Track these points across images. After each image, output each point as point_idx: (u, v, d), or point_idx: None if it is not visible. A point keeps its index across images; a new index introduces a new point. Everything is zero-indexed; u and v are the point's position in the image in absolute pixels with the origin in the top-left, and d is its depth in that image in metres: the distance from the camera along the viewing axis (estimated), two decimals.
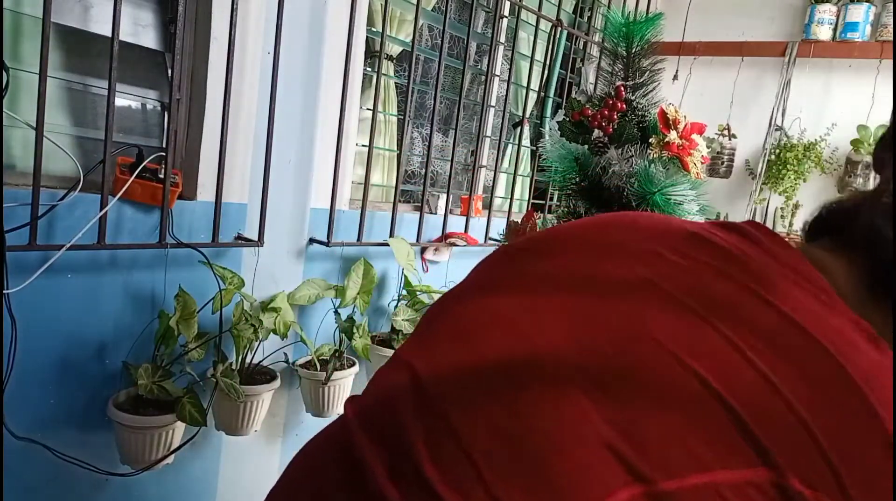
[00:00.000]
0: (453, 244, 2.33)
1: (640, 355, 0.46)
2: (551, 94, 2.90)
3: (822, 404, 0.44)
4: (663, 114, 1.19)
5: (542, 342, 0.49)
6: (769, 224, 3.06)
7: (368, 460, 0.48)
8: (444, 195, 2.33)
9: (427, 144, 2.15)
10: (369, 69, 2.12)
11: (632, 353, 0.47)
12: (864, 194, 0.58)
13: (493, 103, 2.62)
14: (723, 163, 3.05)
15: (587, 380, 0.46)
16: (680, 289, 0.49)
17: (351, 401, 0.56)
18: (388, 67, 2.23)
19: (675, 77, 3.20)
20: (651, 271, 0.50)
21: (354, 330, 1.89)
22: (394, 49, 2.22)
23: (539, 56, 2.67)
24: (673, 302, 0.48)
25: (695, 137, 1.20)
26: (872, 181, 2.93)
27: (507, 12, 2.56)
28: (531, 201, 2.82)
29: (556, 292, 0.52)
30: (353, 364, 1.93)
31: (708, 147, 1.26)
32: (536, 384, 0.47)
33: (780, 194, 3.01)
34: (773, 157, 2.98)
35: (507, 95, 2.50)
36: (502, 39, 2.59)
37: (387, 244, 2.02)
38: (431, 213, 2.38)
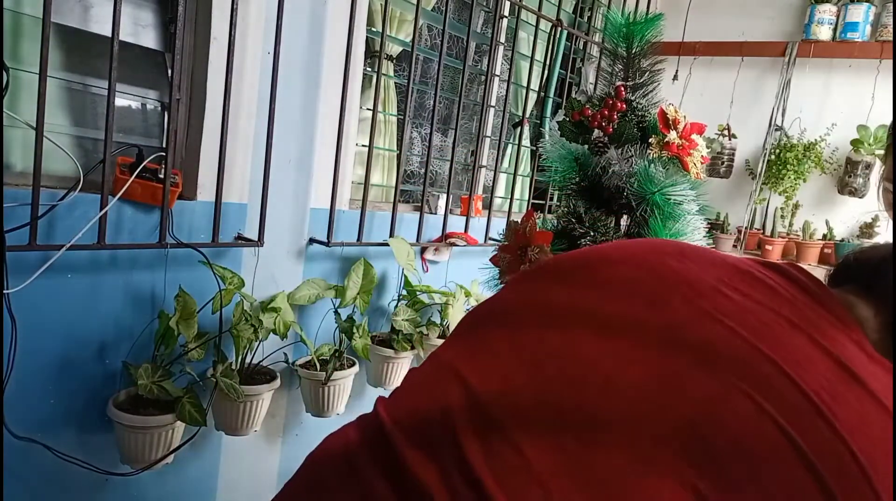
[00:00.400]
0: (453, 244, 2.33)
1: (717, 383, 0.45)
2: (551, 94, 2.90)
3: (877, 451, 0.44)
4: (663, 114, 1.19)
5: (622, 397, 0.47)
6: (769, 224, 3.06)
7: (419, 474, 0.48)
8: (444, 195, 2.33)
9: (427, 144, 2.15)
10: (369, 69, 2.12)
11: (712, 378, 0.45)
12: (887, 248, 0.61)
13: (493, 103, 2.62)
14: (723, 163, 3.05)
15: (674, 452, 0.44)
16: (744, 328, 0.48)
17: (385, 405, 0.56)
18: (388, 67, 2.23)
19: (675, 77, 3.20)
20: (711, 306, 0.50)
21: (354, 330, 1.89)
22: (394, 49, 2.22)
23: (539, 56, 2.67)
24: (745, 352, 0.47)
25: (694, 137, 1.20)
26: (872, 182, 2.90)
27: (506, 12, 2.56)
28: (531, 200, 2.82)
29: (627, 334, 0.51)
30: (352, 364, 1.93)
31: (708, 147, 1.26)
32: (614, 441, 0.45)
33: (780, 194, 3.01)
34: (773, 157, 2.98)
35: (507, 95, 2.50)
36: (502, 39, 2.59)
37: (387, 244, 2.02)
38: (431, 213, 2.38)
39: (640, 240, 0.65)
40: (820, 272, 2.85)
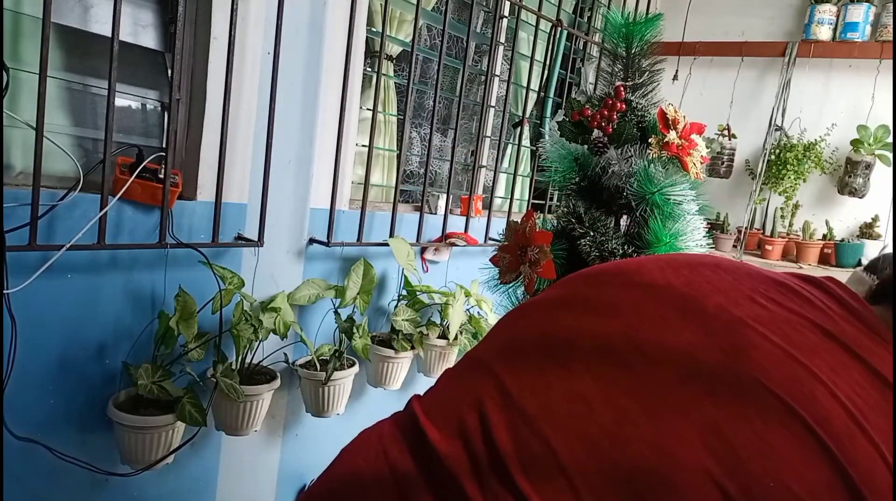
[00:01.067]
0: (453, 244, 2.33)
1: (747, 382, 0.46)
2: (551, 94, 2.90)
3: None
4: (663, 114, 1.19)
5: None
6: (769, 224, 3.06)
7: (453, 466, 0.50)
8: (444, 195, 2.33)
9: (427, 143, 2.15)
10: (369, 69, 2.12)
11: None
12: None
13: (493, 103, 2.62)
14: (723, 163, 3.05)
15: (696, 408, 0.46)
16: (777, 336, 0.49)
17: (421, 402, 0.59)
18: (387, 67, 2.23)
19: (675, 77, 3.20)
20: (744, 313, 0.51)
21: (354, 330, 1.89)
22: (394, 49, 2.22)
23: (539, 56, 2.67)
24: (780, 351, 0.48)
25: (694, 137, 1.20)
26: (872, 182, 2.91)
27: (506, 12, 2.56)
28: (531, 200, 2.82)
29: (664, 307, 0.53)
30: (353, 364, 1.93)
31: (708, 147, 1.26)
32: (637, 407, 0.47)
33: (779, 194, 3.01)
34: (772, 157, 2.98)
35: (507, 95, 2.50)
36: (502, 39, 2.59)
37: (387, 244, 2.02)
38: (431, 213, 2.38)
39: (677, 254, 0.65)
40: (821, 273, 2.84)
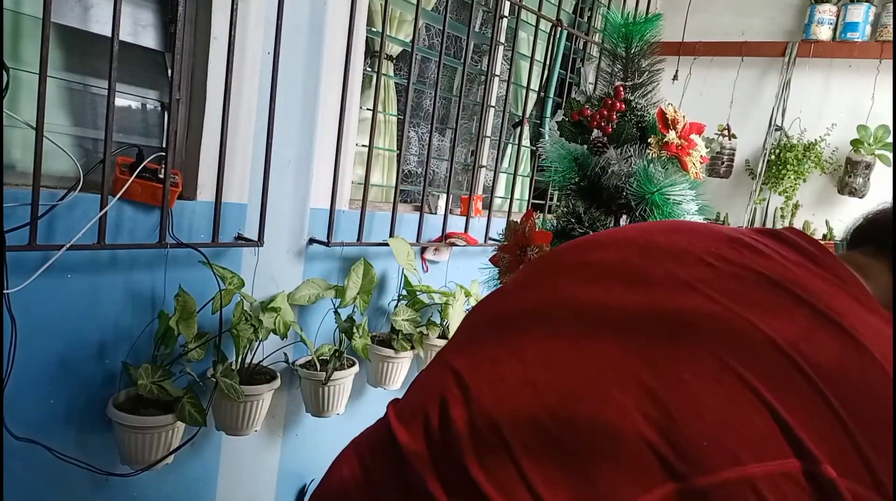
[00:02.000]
0: (453, 244, 2.34)
1: (683, 350, 0.49)
2: (551, 94, 2.90)
3: (855, 395, 0.47)
4: (662, 114, 1.19)
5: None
6: (769, 224, 3.06)
7: (418, 465, 0.52)
8: (444, 195, 2.33)
9: (427, 144, 2.15)
10: (369, 69, 2.12)
11: (677, 348, 0.49)
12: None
13: (492, 103, 2.62)
14: (723, 163, 3.05)
15: (627, 376, 0.49)
16: (722, 294, 0.52)
17: (394, 404, 0.61)
18: (387, 67, 2.23)
19: (675, 77, 3.20)
20: (690, 274, 0.54)
21: (354, 330, 1.89)
22: (394, 49, 2.22)
23: (539, 56, 2.67)
24: (719, 309, 0.51)
25: (693, 137, 1.20)
26: (872, 182, 2.91)
27: (506, 12, 2.56)
28: (531, 200, 2.82)
29: (610, 280, 0.56)
30: (353, 364, 1.94)
31: (707, 147, 1.26)
32: (577, 383, 0.50)
33: (779, 194, 3.01)
34: (772, 157, 2.98)
35: (506, 95, 2.50)
36: (502, 39, 2.59)
37: (387, 244, 2.02)
38: (431, 213, 2.38)
39: (638, 224, 0.67)
40: None
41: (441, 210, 2.35)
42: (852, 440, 0.46)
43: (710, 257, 0.56)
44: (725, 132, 3.06)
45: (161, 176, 1.47)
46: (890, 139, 2.73)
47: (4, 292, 1.25)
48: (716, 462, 0.45)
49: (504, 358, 0.55)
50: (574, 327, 0.55)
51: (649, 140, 1.21)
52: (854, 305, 0.52)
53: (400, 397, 0.62)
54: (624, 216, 1.27)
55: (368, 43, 2.08)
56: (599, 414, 0.48)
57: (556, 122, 1.31)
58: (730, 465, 0.45)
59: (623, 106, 1.21)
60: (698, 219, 1.21)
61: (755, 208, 3.11)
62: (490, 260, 1.33)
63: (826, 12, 2.91)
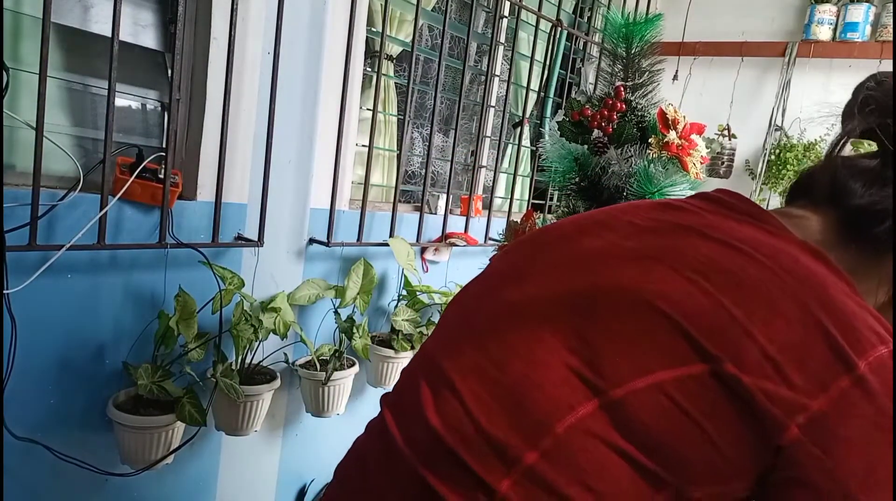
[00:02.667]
0: (453, 244, 2.33)
1: (601, 291, 0.58)
2: (551, 94, 2.90)
3: (753, 300, 0.53)
4: (662, 114, 1.19)
5: (527, 291, 0.63)
6: None
7: (392, 430, 0.61)
8: (444, 195, 2.33)
9: (427, 144, 2.15)
10: (369, 69, 2.12)
11: (596, 289, 0.58)
12: (828, 157, 0.70)
13: (493, 103, 2.62)
14: (723, 163, 3.05)
15: (555, 319, 0.58)
16: (639, 244, 0.61)
17: (385, 398, 0.69)
18: (388, 67, 2.23)
19: (675, 77, 3.20)
20: (618, 236, 0.63)
21: (354, 330, 1.89)
22: (394, 49, 2.22)
23: (539, 56, 2.67)
24: (634, 255, 0.60)
25: (694, 137, 1.20)
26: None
27: (507, 12, 2.56)
28: (531, 201, 2.82)
29: (554, 267, 0.64)
30: (352, 364, 1.93)
31: (708, 147, 1.26)
32: (513, 332, 0.59)
33: (779, 194, 3.01)
34: (772, 157, 2.98)
35: (507, 95, 2.50)
36: (502, 39, 2.59)
37: (387, 244, 2.02)
38: (431, 213, 2.38)
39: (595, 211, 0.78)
40: None
41: (441, 210, 2.35)
42: (752, 339, 0.51)
43: (637, 219, 0.64)
44: (725, 132, 3.06)
45: (161, 176, 1.47)
46: None
47: (4, 292, 1.25)
48: (626, 375, 0.52)
49: (470, 342, 0.62)
50: (523, 310, 0.63)
51: (650, 140, 1.21)
52: (759, 233, 0.59)
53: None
54: None
55: (368, 43, 2.08)
56: (532, 356, 0.57)
57: (557, 122, 1.31)
58: (640, 375, 0.52)
59: (623, 106, 1.21)
60: None
61: None
62: (490, 259, 1.33)
63: (826, 12, 2.91)
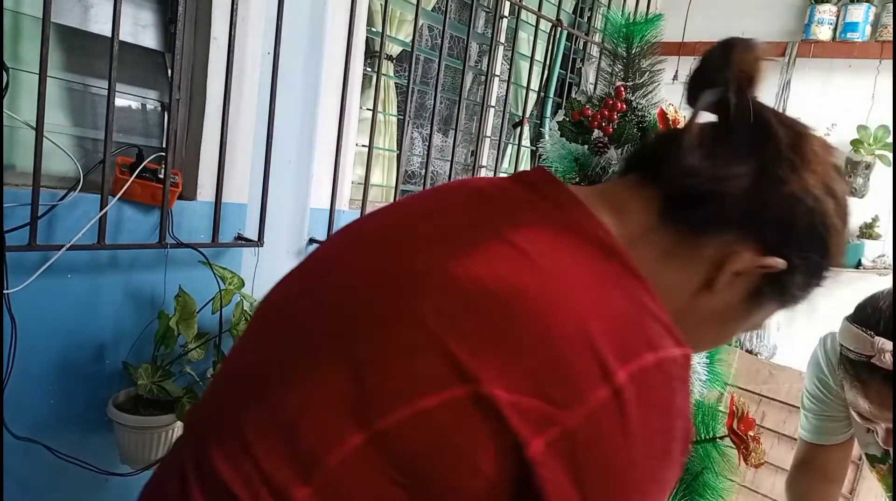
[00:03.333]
0: None
1: (374, 306, 0.54)
2: (551, 94, 2.90)
3: (520, 315, 0.49)
4: (663, 114, 1.19)
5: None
6: None
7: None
8: None
9: (427, 144, 2.15)
10: (369, 69, 2.12)
11: (370, 305, 0.54)
12: (668, 131, 0.63)
13: (493, 103, 2.62)
14: None
15: (333, 339, 0.54)
16: (432, 254, 0.56)
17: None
18: (388, 67, 2.23)
19: (675, 77, 3.20)
20: (415, 244, 0.58)
21: None
22: (394, 49, 2.22)
23: (539, 56, 2.67)
24: (419, 267, 0.55)
25: None
26: (872, 182, 2.89)
27: (507, 12, 2.56)
28: None
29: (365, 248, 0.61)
30: None
31: None
32: (293, 362, 0.55)
33: None
34: None
35: (507, 95, 2.50)
36: (502, 40, 2.59)
37: None
38: None
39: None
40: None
41: None
42: (514, 355, 0.48)
43: (449, 220, 0.60)
44: None
45: (161, 176, 1.47)
46: (890, 139, 2.73)
47: (4, 292, 1.25)
48: (392, 401, 0.48)
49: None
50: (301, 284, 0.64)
51: None
52: (553, 229, 0.55)
53: None
54: None
55: (368, 43, 2.08)
56: (308, 384, 0.53)
57: (557, 122, 1.31)
58: (405, 401, 0.48)
59: (624, 106, 1.21)
60: None
61: None
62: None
63: (826, 12, 2.91)
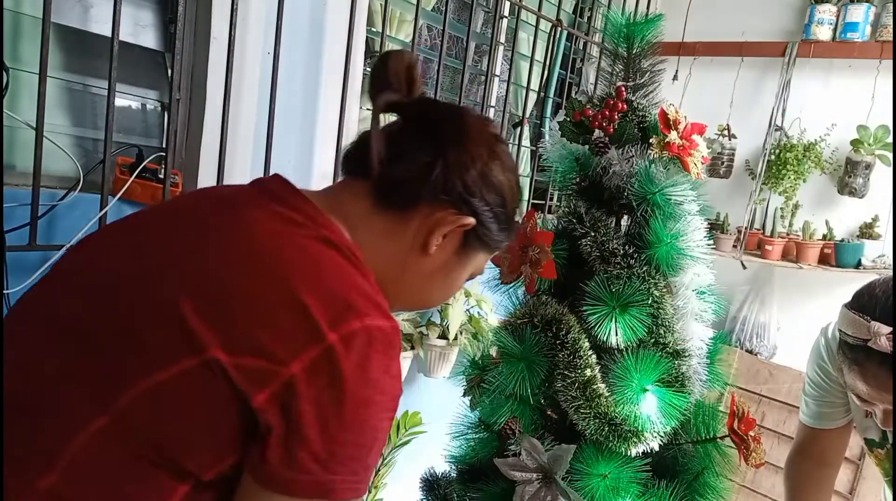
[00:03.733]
0: None
1: (127, 288, 0.62)
2: (551, 94, 2.90)
3: (247, 292, 0.59)
4: (664, 114, 1.19)
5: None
6: (769, 224, 3.06)
7: None
8: None
9: None
10: (369, 69, 2.12)
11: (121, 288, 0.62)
12: (362, 134, 0.77)
13: (493, 103, 2.62)
14: (723, 163, 3.05)
15: (76, 321, 0.62)
16: (175, 249, 0.65)
17: None
18: None
19: (675, 77, 3.20)
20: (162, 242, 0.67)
21: None
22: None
23: (539, 56, 2.67)
24: (171, 259, 0.64)
25: (695, 137, 1.20)
26: (872, 182, 2.89)
27: (506, 12, 2.56)
28: (531, 201, 2.82)
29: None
30: None
31: (708, 148, 1.26)
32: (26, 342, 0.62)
33: (779, 194, 3.01)
34: (772, 157, 2.98)
35: (507, 95, 2.50)
36: (502, 39, 2.59)
37: None
38: None
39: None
40: (821, 274, 2.85)
41: None
42: (239, 323, 0.57)
43: (193, 224, 0.68)
44: (725, 132, 3.06)
45: (161, 176, 1.46)
46: (890, 139, 2.73)
47: (4, 292, 1.25)
48: (129, 378, 0.56)
49: None
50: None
51: (651, 141, 1.20)
52: (284, 225, 0.65)
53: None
54: (625, 217, 1.27)
55: (368, 43, 2.08)
56: (50, 375, 0.61)
57: (557, 122, 1.31)
58: (141, 376, 0.56)
59: (624, 106, 1.21)
60: (699, 219, 1.21)
61: (755, 209, 3.11)
62: (491, 260, 1.33)
63: (826, 12, 2.91)
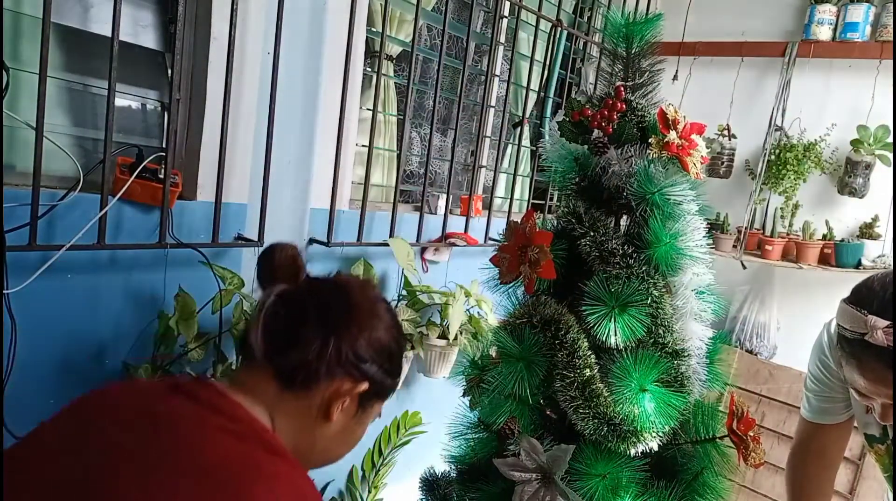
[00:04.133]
0: (453, 244, 2.33)
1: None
2: (551, 94, 2.90)
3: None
4: (663, 114, 1.19)
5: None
6: (769, 224, 3.06)
7: None
8: (444, 195, 2.33)
9: (427, 144, 2.15)
10: (369, 69, 2.12)
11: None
12: (248, 324, 0.85)
13: (492, 103, 2.62)
14: (722, 163, 3.05)
15: None
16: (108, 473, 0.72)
17: None
18: (387, 67, 2.23)
19: (675, 77, 3.20)
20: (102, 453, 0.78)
21: None
22: (394, 49, 2.22)
23: (539, 56, 2.67)
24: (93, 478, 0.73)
25: (694, 137, 1.20)
26: (872, 182, 2.89)
27: (506, 12, 2.56)
28: (531, 201, 2.82)
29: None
30: None
31: (708, 147, 1.26)
32: None
33: (779, 194, 3.01)
34: (772, 157, 2.98)
35: (506, 95, 2.50)
36: (502, 39, 2.59)
37: (387, 244, 2.02)
38: (431, 213, 2.38)
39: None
40: (820, 274, 2.85)
41: (441, 210, 2.34)
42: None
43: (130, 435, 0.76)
44: (725, 132, 3.06)
45: (161, 176, 1.47)
46: (890, 139, 2.73)
47: (4, 292, 1.25)
48: None
49: None
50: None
51: (650, 140, 1.20)
52: (227, 439, 0.70)
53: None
54: (624, 216, 1.27)
55: (368, 43, 2.08)
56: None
57: (557, 122, 1.31)
58: None
59: (624, 106, 1.21)
60: (698, 219, 1.21)
61: (755, 209, 3.11)
62: (490, 260, 1.33)
63: (826, 12, 2.91)
